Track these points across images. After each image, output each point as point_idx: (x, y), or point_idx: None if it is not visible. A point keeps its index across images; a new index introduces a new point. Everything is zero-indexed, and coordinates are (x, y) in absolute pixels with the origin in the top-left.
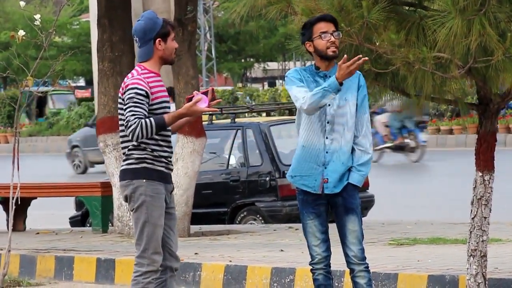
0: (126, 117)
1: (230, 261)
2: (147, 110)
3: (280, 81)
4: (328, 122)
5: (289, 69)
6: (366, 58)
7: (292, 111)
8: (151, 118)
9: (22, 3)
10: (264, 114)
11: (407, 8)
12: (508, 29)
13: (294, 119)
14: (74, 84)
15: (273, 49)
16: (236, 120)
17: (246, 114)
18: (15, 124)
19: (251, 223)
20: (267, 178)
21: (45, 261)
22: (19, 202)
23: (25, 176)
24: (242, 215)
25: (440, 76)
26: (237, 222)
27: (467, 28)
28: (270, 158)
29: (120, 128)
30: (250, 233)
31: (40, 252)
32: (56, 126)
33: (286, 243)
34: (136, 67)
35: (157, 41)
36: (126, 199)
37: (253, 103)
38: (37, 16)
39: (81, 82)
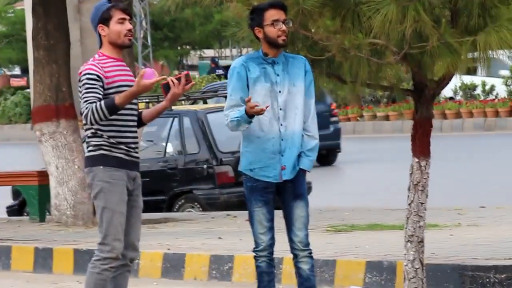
0: (83, 105)
1: (169, 249)
2: (100, 93)
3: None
4: (280, 109)
5: (224, 56)
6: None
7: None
8: (101, 101)
9: None
10: (201, 101)
11: None
12: (443, 15)
13: None
14: (9, 73)
15: (209, 36)
16: (173, 107)
17: (183, 102)
18: None
19: (189, 211)
20: (205, 166)
21: None
22: None
23: None
24: (180, 203)
25: (376, 63)
26: (175, 210)
27: (402, 14)
28: (207, 145)
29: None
30: (188, 221)
31: None
32: None
33: (224, 231)
34: (95, 55)
35: (98, 26)
36: (88, 186)
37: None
38: None
39: (17, 71)
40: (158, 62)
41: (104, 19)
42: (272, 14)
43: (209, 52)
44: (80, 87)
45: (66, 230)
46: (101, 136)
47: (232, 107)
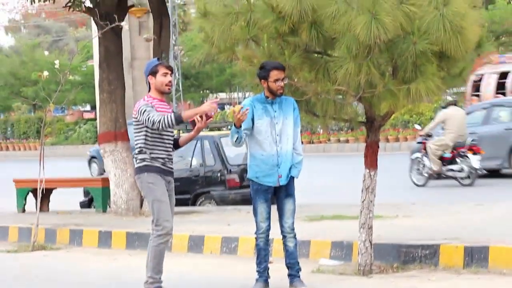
0: (147, 120)
1: (193, 232)
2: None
3: (228, 106)
4: (277, 135)
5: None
6: (247, 108)
7: None
8: (171, 114)
9: (46, 53)
10: (216, 129)
11: (316, 54)
12: (387, 70)
13: None
14: (82, 109)
15: (222, 83)
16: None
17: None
18: (41, 137)
19: (207, 206)
20: (219, 174)
21: (62, 232)
22: (44, 191)
23: (48, 172)
24: (201, 200)
25: (340, 103)
26: (197, 205)
27: (358, 69)
28: (220, 160)
29: (135, 138)
30: (206, 213)
31: (59, 226)
32: (70, 138)
33: (232, 220)
34: (145, 96)
35: (148, 77)
36: (140, 188)
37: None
38: (57, 62)
39: (88, 108)
40: (186, 102)
41: (153, 72)
42: (275, 74)
43: (222, 95)
44: (139, 115)
45: (121, 218)
46: (145, 153)
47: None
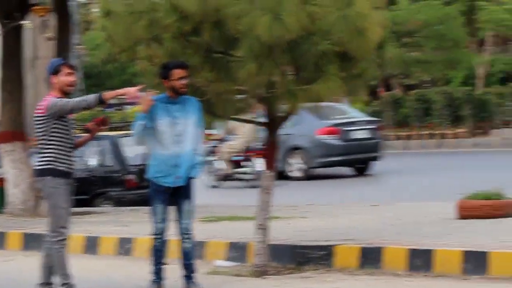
0: (61, 105)
1: (90, 233)
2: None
3: (128, 106)
4: (178, 136)
5: None
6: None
7: None
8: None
9: None
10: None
11: (218, 54)
12: (288, 70)
13: None
14: None
15: (124, 83)
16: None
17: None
18: None
19: (105, 206)
20: (117, 175)
21: None
22: None
23: None
24: (99, 200)
25: (240, 103)
26: (95, 205)
27: (259, 70)
28: (119, 160)
29: (36, 137)
30: (105, 213)
31: None
32: None
33: (129, 221)
34: (48, 96)
35: (51, 77)
36: (39, 190)
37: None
38: None
39: None
40: None
41: (55, 71)
42: (178, 73)
43: None
44: (51, 108)
45: (16, 219)
46: (49, 155)
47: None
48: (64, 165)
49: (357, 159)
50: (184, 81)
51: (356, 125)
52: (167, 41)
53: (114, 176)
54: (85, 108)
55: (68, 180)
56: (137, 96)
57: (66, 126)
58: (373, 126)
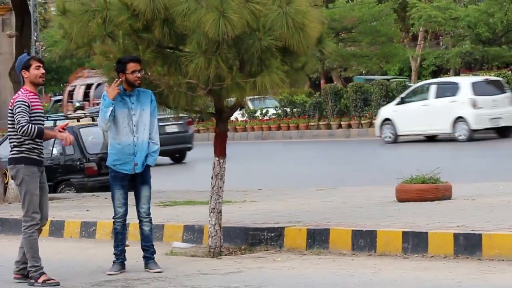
0: (17, 119)
1: (53, 217)
2: (28, 116)
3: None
4: (134, 126)
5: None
6: (121, 79)
7: (94, 118)
8: (35, 126)
9: None
10: (75, 120)
11: (168, 50)
12: (234, 64)
13: (96, 124)
14: None
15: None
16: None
17: (64, 119)
18: None
19: (67, 192)
20: (78, 163)
21: None
22: None
23: None
24: (61, 187)
25: (191, 95)
26: (58, 191)
27: (208, 64)
28: (79, 149)
29: (8, 128)
30: (67, 199)
31: None
32: None
33: (91, 206)
34: (21, 89)
35: (22, 72)
36: (12, 177)
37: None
38: None
39: None
40: (47, 95)
41: (26, 66)
42: (132, 66)
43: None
44: (14, 109)
45: None
46: (21, 144)
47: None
48: (35, 154)
49: (172, 150)
50: (138, 74)
51: (167, 121)
52: (121, 38)
53: (75, 164)
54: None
55: (40, 168)
56: (67, 137)
57: (36, 118)
58: (183, 122)
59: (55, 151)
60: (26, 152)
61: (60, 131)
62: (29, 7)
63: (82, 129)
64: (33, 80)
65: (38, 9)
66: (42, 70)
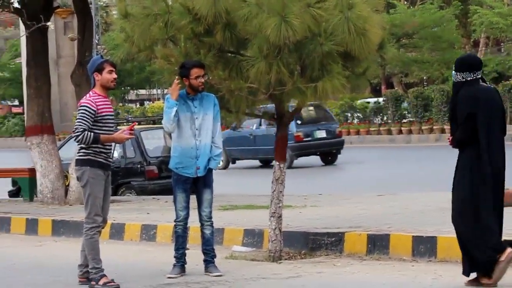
0: (75, 126)
1: (114, 220)
2: (91, 123)
3: (147, 101)
4: (197, 129)
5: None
6: (178, 79)
7: (155, 122)
8: (91, 133)
9: None
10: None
11: (230, 54)
12: (295, 69)
13: (157, 127)
14: (11, 104)
15: (142, 81)
16: (118, 127)
17: (125, 123)
18: None
19: (128, 195)
20: (139, 166)
21: None
22: None
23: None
24: (122, 190)
25: (251, 99)
26: (119, 194)
27: (269, 68)
28: (140, 152)
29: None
30: (127, 202)
31: None
32: None
33: (151, 209)
34: (89, 92)
35: (94, 74)
36: (78, 178)
37: (130, 117)
38: None
39: (16, 103)
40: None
41: (98, 69)
42: (195, 71)
43: (142, 91)
44: (78, 111)
45: (46, 207)
46: (89, 147)
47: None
48: (102, 157)
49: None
50: (201, 80)
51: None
52: (182, 42)
53: (135, 167)
54: (79, 141)
55: (106, 171)
56: (125, 138)
57: (104, 121)
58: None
59: (116, 154)
60: (93, 155)
61: (118, 134)
62: (91, 10)
63: (143, 132)
64: (105, 84)
65: (100, 13)
66: (114, 75)
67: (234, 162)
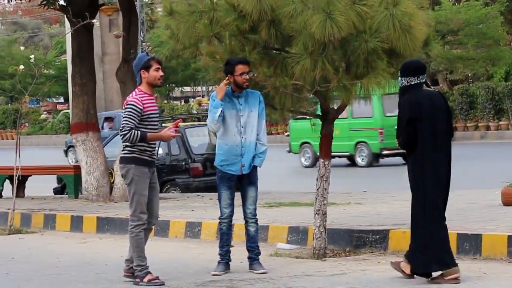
0: (122, 124)
1: (159, 217)
2: (137, 121)
3: (192, 99)
4: (242, 127)
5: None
6: (230, 80)
7: (199, 119)
8: (138, 131)
9: (22, 48)
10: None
11: (275, 51)
12: (340, 66)
13: (201, 124)
14: (56, 101)
15: (187, 78)
16: (163, 124)
17: (171, 120)
18: (17, 127)
19: (172, 192)
20: (183, 163)
21: (37, 217)
22: (20, 178)
23: (24, 160)
24: (166, 187)
25: (296, 96)
26: (163, 192)
27: (314, 65)
28: (185, 149)
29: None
30: (172, 199)
31: (34, 211)
32: (44, 128)
33: (195, 206)
34: (135, 89)
35: (141, 71)
36: (123, 176)
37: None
38: (32, 56)
39: (61, 100)
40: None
41: (146, 66)
42: (240, 68)
43: (187, 89)
44: (124, 109)
45: (91, 204)
46: (134, 145)
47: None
48: (147, 154)
49: None
50: (246, 76)
51: None
52: (227, 39)
53: (180, 164)
54: (125, 139)
55: (150, 168)
56: (171, 136)
57: (150, 120)
58: None
59: (160, 151)
60: (138, 153)
61: (165, 132)
62: (136, 7)
63: (187, 129)
64: (152, 81)
65: (145, 10)
66: (161, 73)
67: None
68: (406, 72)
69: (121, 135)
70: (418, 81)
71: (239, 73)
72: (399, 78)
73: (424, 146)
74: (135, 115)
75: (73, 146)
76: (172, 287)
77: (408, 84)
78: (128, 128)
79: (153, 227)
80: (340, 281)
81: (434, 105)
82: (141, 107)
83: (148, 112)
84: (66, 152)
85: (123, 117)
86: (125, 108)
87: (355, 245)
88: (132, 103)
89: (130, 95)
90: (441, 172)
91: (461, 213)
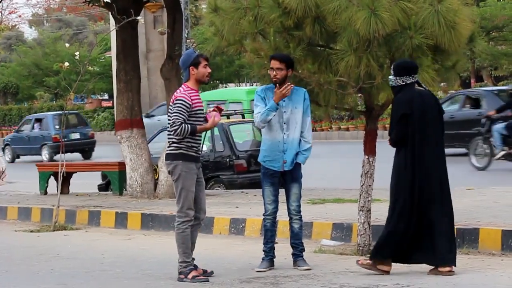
0: (172, 119)
1: None
2: (187, 116)
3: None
4: (285, 123)
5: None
6: (292, 85)
7: (244, 115)
8: (188, 125)
9: (67, 45)
10: (225, 117)
11: (319, 48)
12: (385, 62)
13: (246, 121)
14: (101, 98)
15: (231, 74)
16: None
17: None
18: (62, 124)
19: (217, 189)
20: (227, 159)
21: (82, 213)
22: (64, 175)
23: (68, 157)
24: (211, 183)
25: (341, 93)
26: (208, 188)
27: (358, 62)
28: (229, 146)
29: (168, 124)
30: (216, 195)
31: (79, 208)
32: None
33: (240, 203)
34: (182, 86)
35: (190, 68)
36: (169, 172)
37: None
38: (77, 53)
39: (106, 97)
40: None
41: (194, 63)
42: (271, 63)
43: (231, 85)
44: (174, 105)
45: (136, 201)
46: (181, 141)
47: (259, 112)
48: (193, 150)
49: None
50: (273, 72)
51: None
52: (272, 35)
53: (224, 161)
54: (178, 133)
55: (197, 164)
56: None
57: (197, 116)
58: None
59: (205, 148)
60: (185, 149)
61: (210, 122)
62: (181, 4)
63: (231, 126)
64: (200, 78)
65: (189, 7)
66: (209, 69)
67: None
68: (401, 72)
69: (171, 130)
70: (412, 80)
71: (270, 67)
72: (393, 78)
73: (414, 139)
74: (185, 110)
75: (8, 144)
76: (216, 284)
77: (404, 83)
78: (179, 122)
79: (202, 222)
80: (384, 277)
81: (425, 103)
82: (190, 103)
83: (196, 108)
84: (3, 149)
85: (173, 113)
86: (175, 104)
87: None
88: (182, 98)
89: (178, 91)
90: (430, 165)
91: (507, 209)
